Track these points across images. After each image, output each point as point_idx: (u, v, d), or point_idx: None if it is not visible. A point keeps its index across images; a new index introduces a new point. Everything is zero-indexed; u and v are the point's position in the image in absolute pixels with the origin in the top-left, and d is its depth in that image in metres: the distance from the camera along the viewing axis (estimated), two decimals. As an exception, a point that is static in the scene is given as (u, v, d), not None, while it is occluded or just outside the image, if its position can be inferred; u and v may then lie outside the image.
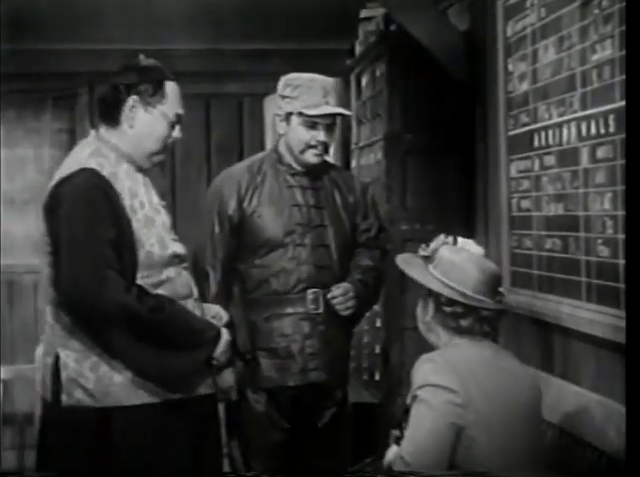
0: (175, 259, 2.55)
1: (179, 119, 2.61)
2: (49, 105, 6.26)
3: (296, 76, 3.13)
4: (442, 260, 2.46)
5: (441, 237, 2.52)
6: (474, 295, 2.40)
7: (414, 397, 2.34)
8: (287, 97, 3.10)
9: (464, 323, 2.42)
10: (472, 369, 2.35)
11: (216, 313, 2.71)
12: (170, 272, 2.53)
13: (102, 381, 2.43)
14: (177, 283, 2.55)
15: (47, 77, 6.06)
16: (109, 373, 2.43)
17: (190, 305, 2.57)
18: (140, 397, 2.44)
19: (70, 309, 2.43)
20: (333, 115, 3.10)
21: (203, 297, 2.80)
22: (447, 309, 2.42)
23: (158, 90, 2.57)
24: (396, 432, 2.43)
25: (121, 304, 2.38)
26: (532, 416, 2.43)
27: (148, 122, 2.56)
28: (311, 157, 3.11)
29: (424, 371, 2.35)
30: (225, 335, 2.58)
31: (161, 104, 2.57)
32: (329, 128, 3.11)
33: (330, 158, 3.44)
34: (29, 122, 6.26)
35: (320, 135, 3.08)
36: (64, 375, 2.45)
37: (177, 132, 2.61)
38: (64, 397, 2.45)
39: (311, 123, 3.08)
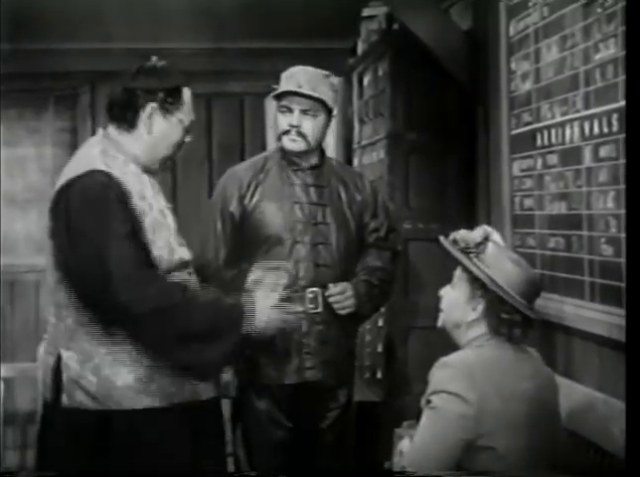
0: (180, 265, 2.54)
1: (192, 125, 2.62)
2: (50, 104, 6.26)
3: (290, 68, 3.14)
4: (493, 260, 2.35)
5: (483, 228, 2.41)
6: (529, 305, 2.33)
7: (428, 402, 2.30)
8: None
9: (516, 331, 2.34)
10: (492, 373, 2.29)
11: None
12: (175, 278, 2.51)
13: (105, 384, 2.42)
14: None
15: (48, 76, 6.06)
16: (112, 376, 2.42)
17: None
18: (142, 400, 2.43)
19: (94, 308, 2.40)
20: (307, 99, 3.05)
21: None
22: (506, 316, 2.33)
23: (176, 98, 2.56)
24: (413, 432, 2.41)
25: (144, 298, 2.37)
26: (551, 418, 2.40)
27: (166, 129, 2.56)
28: (288, 143, 3.09)
29: (442, 376, 2.29)
30: (256, 303, 2.52)
31: (179, 112, 2.57)
32: (305, 113, 3.07)
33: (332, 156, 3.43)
34: (30, 121, 6.26)
35: (293, 119, 3.06)
36: (65, 376, 2.44)
37: (188, 137, 2.62)
38: (64, 398, 2.44)
39: (286, 108, 3.07)
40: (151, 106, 2.53)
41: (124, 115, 2.55)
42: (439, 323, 2.48)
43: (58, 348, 2.47)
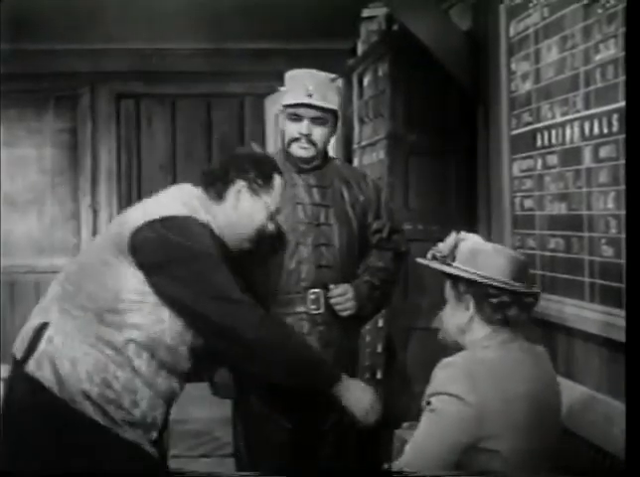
0: None
1: (276, 213, 2.70)
2: (51, 105, 6.27)
3: (294, 71, 3.14)
4: (467, 256, 2.37)
5: (453, 234, 2.44)
6: (514, 283, 2.33)
7: (428, 403, 2.29)
8: (283, 92, 3.12)
9: (511, 313, 2.34)
10: (495, 374, 2.27)
11: None
12: None
13: (75, 376, 2.41)
14: None
15: (48, 76, 6.08)
16: (83, 374, 2.41)
17: None
18: (95, 412, 2.41)
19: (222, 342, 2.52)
20: (317, 108, 3.06)
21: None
22: (494, 300, 2.33)
23: (267, 181, 2.65)
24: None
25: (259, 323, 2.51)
26: (555, 419, 2.39)
27: (251, 208, 2.63)
28: (297, 150, 3.09)
29: (443, 376, 2.28)
30: (351, 384, 2.63)
31: (267, 195, 2.65)
32: (315, 122, 3.08)
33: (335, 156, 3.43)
34: (31, 122, 6.27)
35: (303, 128, 3.07)
36: (42, 344, 2.44)
37: (271, 225, 2.70)
38: (31, 364, 2.44)
39: (296, 116, 3.07)
40: (241, 183, 2.62)
41: (215, 185, 2.63)
42: (440, 335, 2.50)
43: (48, 319, 2.47)
